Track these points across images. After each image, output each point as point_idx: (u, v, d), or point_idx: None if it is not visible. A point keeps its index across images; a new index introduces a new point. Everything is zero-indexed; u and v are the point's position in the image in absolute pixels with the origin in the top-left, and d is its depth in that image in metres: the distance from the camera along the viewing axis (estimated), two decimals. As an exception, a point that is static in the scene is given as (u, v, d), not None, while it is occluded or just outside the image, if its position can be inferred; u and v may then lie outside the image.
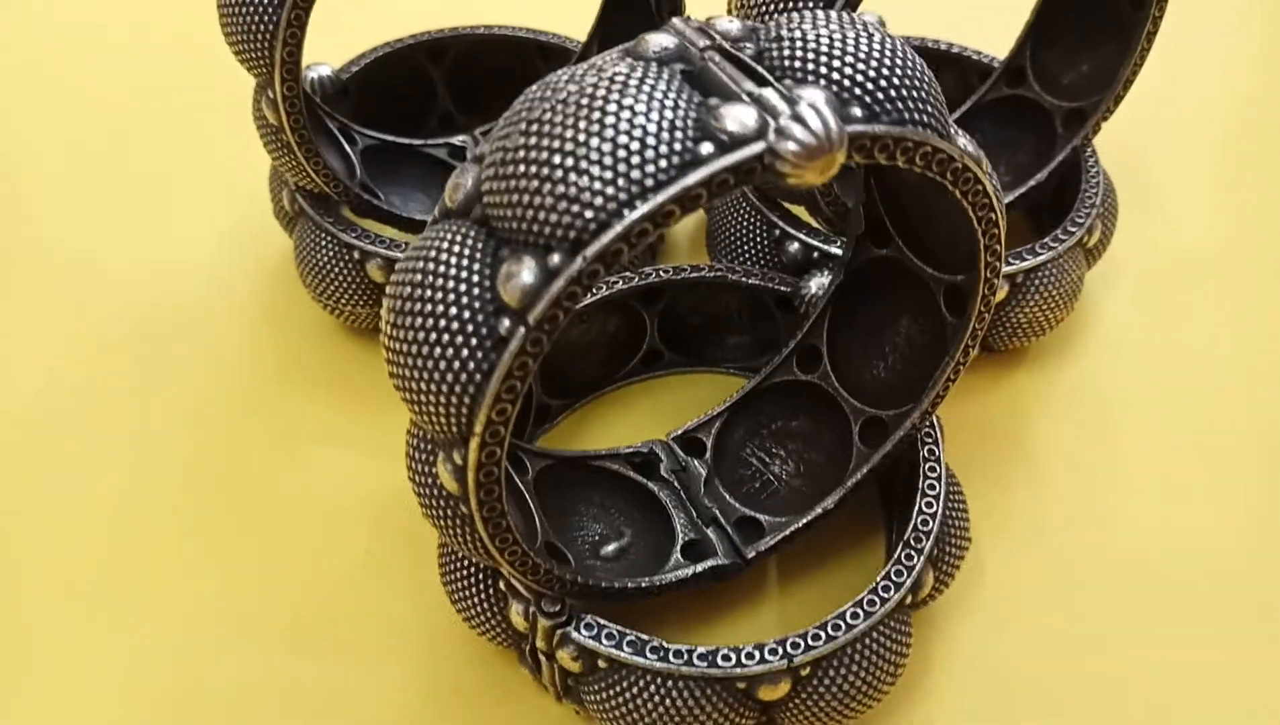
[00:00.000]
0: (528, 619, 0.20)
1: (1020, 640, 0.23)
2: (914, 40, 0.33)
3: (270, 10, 0.22)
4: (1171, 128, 0.35)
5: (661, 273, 0.26)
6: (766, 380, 0.25)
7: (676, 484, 0.23)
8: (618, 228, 0.14)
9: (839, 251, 0.26)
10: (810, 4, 0.21)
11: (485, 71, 0.33)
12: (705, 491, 0.23)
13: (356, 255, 0.27)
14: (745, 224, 0.28)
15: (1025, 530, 0.25)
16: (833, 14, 0.17)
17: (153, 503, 0.26)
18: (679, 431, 0.24)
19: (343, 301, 0.27)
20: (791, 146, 0.14)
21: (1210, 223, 0.32)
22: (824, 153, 0.14)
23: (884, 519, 0.25)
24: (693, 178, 0.14)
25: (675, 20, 0.17)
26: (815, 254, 0.27)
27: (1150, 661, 0.23)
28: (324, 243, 0.27)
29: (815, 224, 0.27)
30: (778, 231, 0.27)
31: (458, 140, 0.31)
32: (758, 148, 0.14)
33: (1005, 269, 0.26)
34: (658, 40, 0.16)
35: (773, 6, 0.21)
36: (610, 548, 0.23)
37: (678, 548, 0.22)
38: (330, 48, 0.30)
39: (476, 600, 0.21)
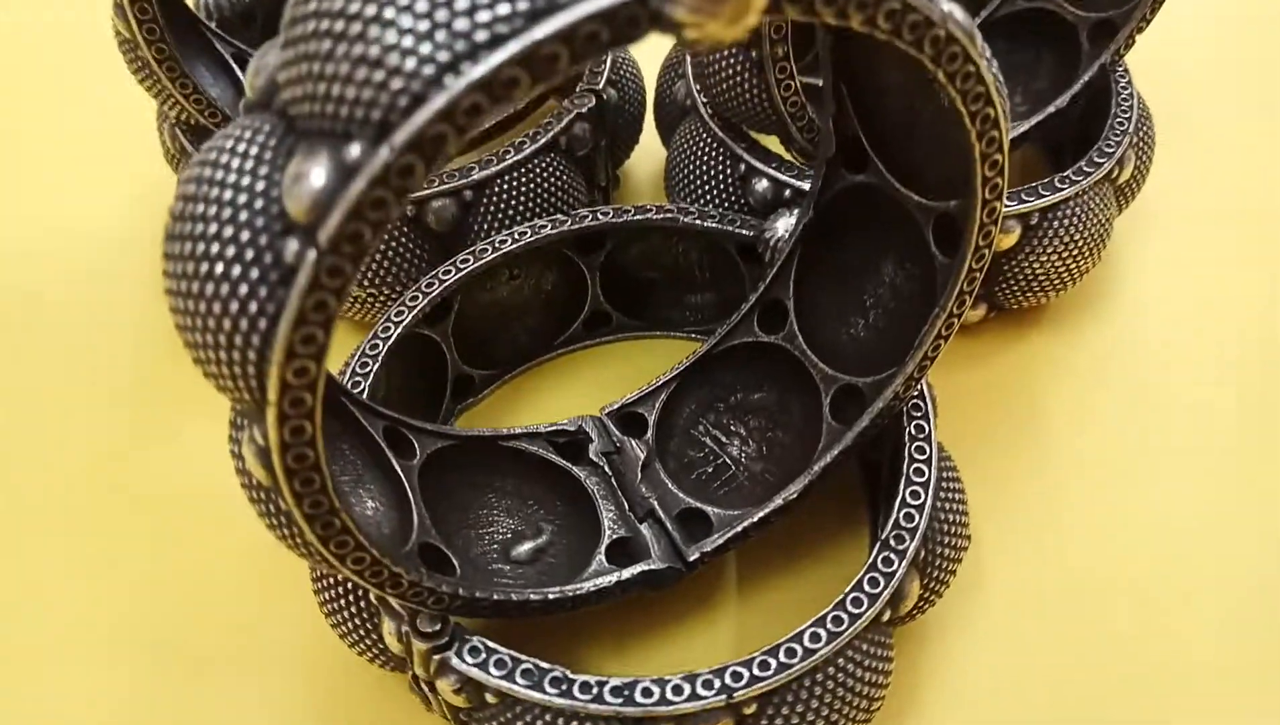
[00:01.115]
0: (402, 640, 0.16)
1: (1028, 659, 0.19)
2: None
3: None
4: (1216, 45, 0.30)
5: (600, 215, 0.22)
6: (722, 343, 0.20)
7: (607, 468, 0.19)
8: (438, 102, 0.10)
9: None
10: None
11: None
12: (643, 477, 0.19)
13: (239, 197, 0.22)
14: (706, 158, 0.23)
15: (1036, 527, 0.21)
16: None
17: (28, 486, 0.22)
18: (615, 405, 0.20)
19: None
20: (683, -18, 0.10)
21: (1260, 160, 0.27)
22: (730, -8, 0.10)
23: (868, 508, 0.20)
24: (544, 29, 0.10)
25: None
26: (788, 192, 0.22)
27: (1174, 679, 0.18)
28: (202, 183, 0.23)
29: (789, 156, 0.23)
30: (743, 166, 0.23)
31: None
32: (637, -14, 0.10)
33: (1017, 207, 0.22)
34: None
35: None
36: (524, 548, 0.18)
37: (603, 547, 0.18)
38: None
39: (346, 614, 0.17)
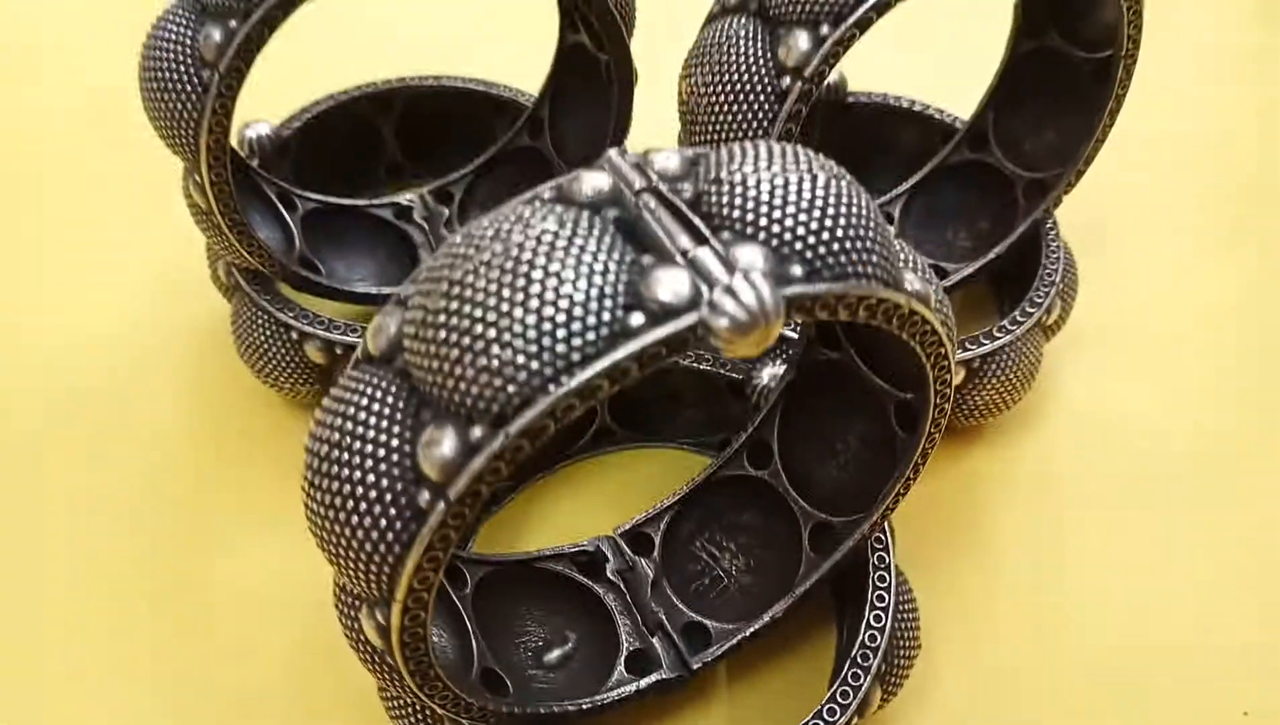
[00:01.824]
0: (462, 746, 0.20)
1: (971, 746, 0.23)
2: (876, 97, 0.32)
3: (194, 98, 0.21)
4: (1135, 194, 0.34)
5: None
6: (717, 473, 0.24)
7: (623, 586, 0.23)
8: (542, 404, 0.14)
9: (793, 334, 0.26)
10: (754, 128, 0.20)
11: (435, 120, 0.32)
12: (652, 594, 0.23)
13: (294, 335, 0.26)
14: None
15: (978, 622, 0.25)
16: (775, 150, 0.16)
17: (73, 590, 0.25)
18: (627, 526, 0.24)
19: (281, 379, 0.27)
20: (724, 322, 0.13)
21: (1173, 294, 0.32)
22: (757, 327, 0.14)
23: (835, 612, 0.24)
24: (622, 352, 0.14)
25: (612, 154, 0.16)
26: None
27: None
28: (260, 321, 0.26)
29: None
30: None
31: (404, 200, 0.30)
32: (690, 320, 0.14)
33: (962, 355, 0.26)
34: (592, 182, 0.15)
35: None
36: (554, 654, 0.22)
37: (622, 658, 0.22)
38: (270, 102, 0.29)
39: (414, 721, 0.20)
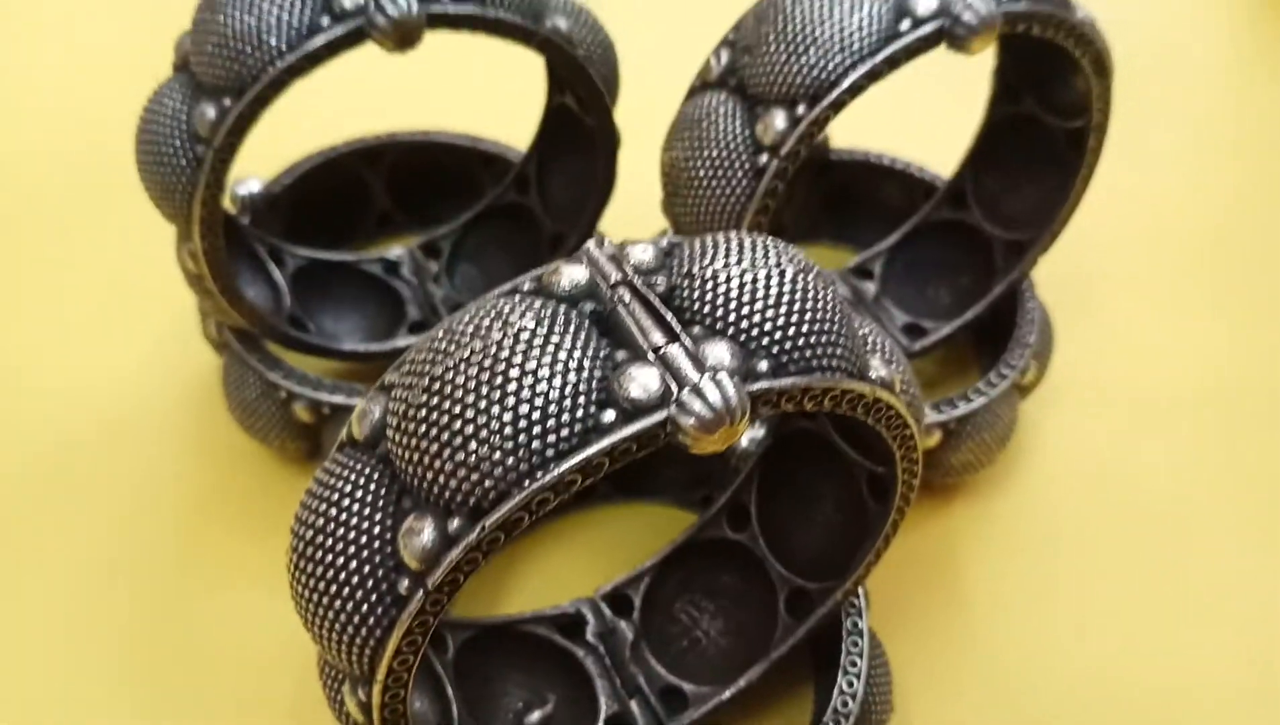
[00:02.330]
0: (443, 810, 0.20)
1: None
2: (858, 154, 0.33)
3: (188, 172, 0.22)
4: (1115, 252, 0.35)
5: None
6: (698, 535, 0.24)
7: (602, 649, 0.23)
8: (517, 498, 0.14)
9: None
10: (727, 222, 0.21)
11: (425, 173, 0.33)
12: (631, 656, 0.23)
13: (283, 394, 0.26)
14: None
15: (952, 683, 0.25)
16: (746, 244, 0.16)
17: (63, 645, 0.25)
18: (608, 588, 0.24)
19: (270, 436, 0.27)
20: (691, 422, 0.14)
21: (1151, 352, 0.32)
22: (722, 426, 0.14)
23: (813, 674, 0.24)
24: (594, 448, 0.14)
25: (590, 246, 0.16)
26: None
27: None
28: (250, 380, 0.26)
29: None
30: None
31: (392, 255, 0.31)
32: (659, 417, 0.14)
33: (939, 417, 0.26)
34: (570, 275, 0.16)
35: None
36: (533, 716, 0.23)
37: (600, 721, 0.22)
38: (260, 158, 0.30)
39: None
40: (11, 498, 0.28)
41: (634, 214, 0.30)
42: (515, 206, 0.30)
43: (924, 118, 0.32)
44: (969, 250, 0.30)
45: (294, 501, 0.27)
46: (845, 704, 0.21)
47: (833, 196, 0.33)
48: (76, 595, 0.26)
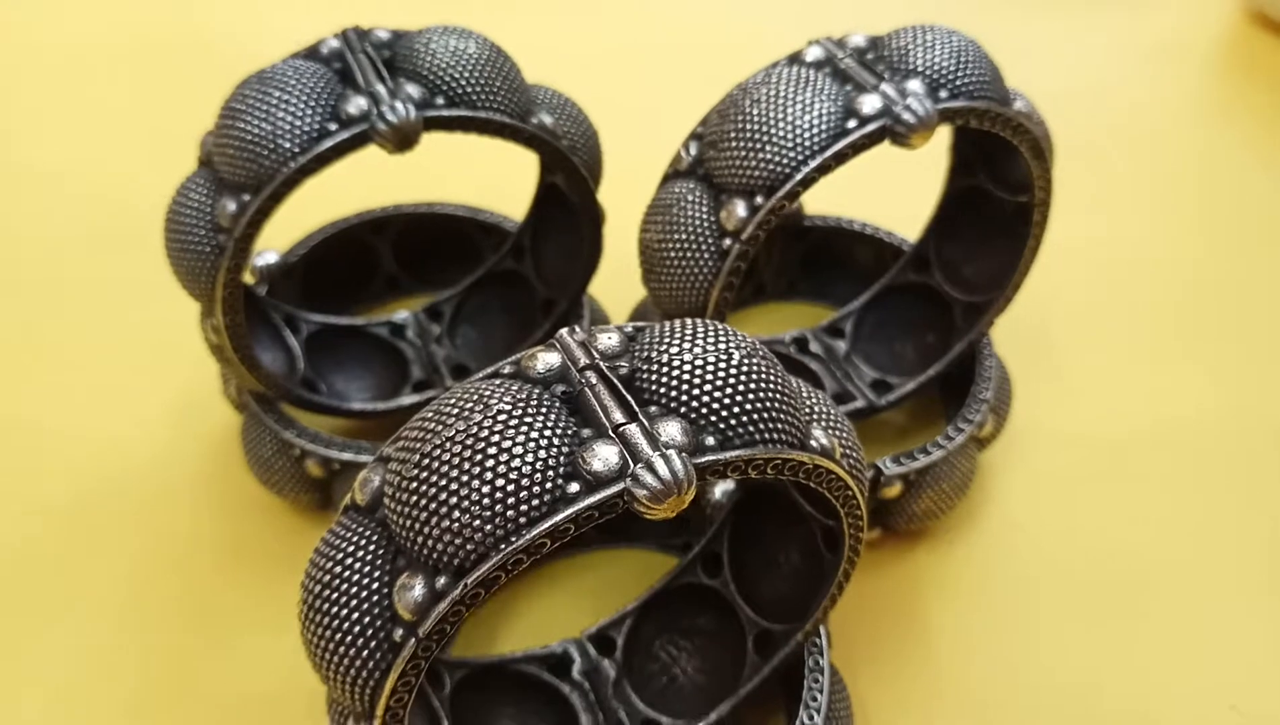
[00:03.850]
0: (440, 835, 0.22)
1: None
2: (831, 220, 0.35)
3: (211, 258, 0.24)
4: (1073, 306, 0.37)
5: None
6: (675, 580, 0.27)
7: (587, 685, 0.25)
8: (495, 559, 0.16)
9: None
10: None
11: (427, 240, 0.35)
12: (614, 692, 0.25)
13: (296, 451, 0.29)
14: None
15: (914, 715, 0.27)
16: (700, 331, 0.19)
17: (85, 688, 0.27)
18: (593, 629, 0.26)
19: (285, 490, 0.29)
20: (644, 492, 0.16)
21: (1108, 402, 0.34)
22: (670, 497, 0.16)
23: (784, 701, 0.26)
24: (560, 516, 0.16)
25: (563, 333, 0.19)
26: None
27: None
28: (266, 438, 0.29)
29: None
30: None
31: (398, 318, 0.33)
32: (617, 488, 0.16)
33: (899, 469, 0.28)
34: (545, 360, 0.18)
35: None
36: (524, 748, 0.25)
37: (585, 754, 0.24)
38: (276, 231, 0.32)
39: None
40: (46, 539, 0.30)
41: (619, 280, 0.32)
42: (511, 273, 0.33)
43: (893, 185, 0.34)
44: (932, 310, 0.32)
45: (306, 549, 0.30)
46: (805, 737, 0.23)
47: (809, 258, 0.36)
48: (104, 635, 0.28)
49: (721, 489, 0.27)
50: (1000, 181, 0.30)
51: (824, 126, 0.23)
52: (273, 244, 0.32)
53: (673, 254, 0.24)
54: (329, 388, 0.31)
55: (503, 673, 0.25)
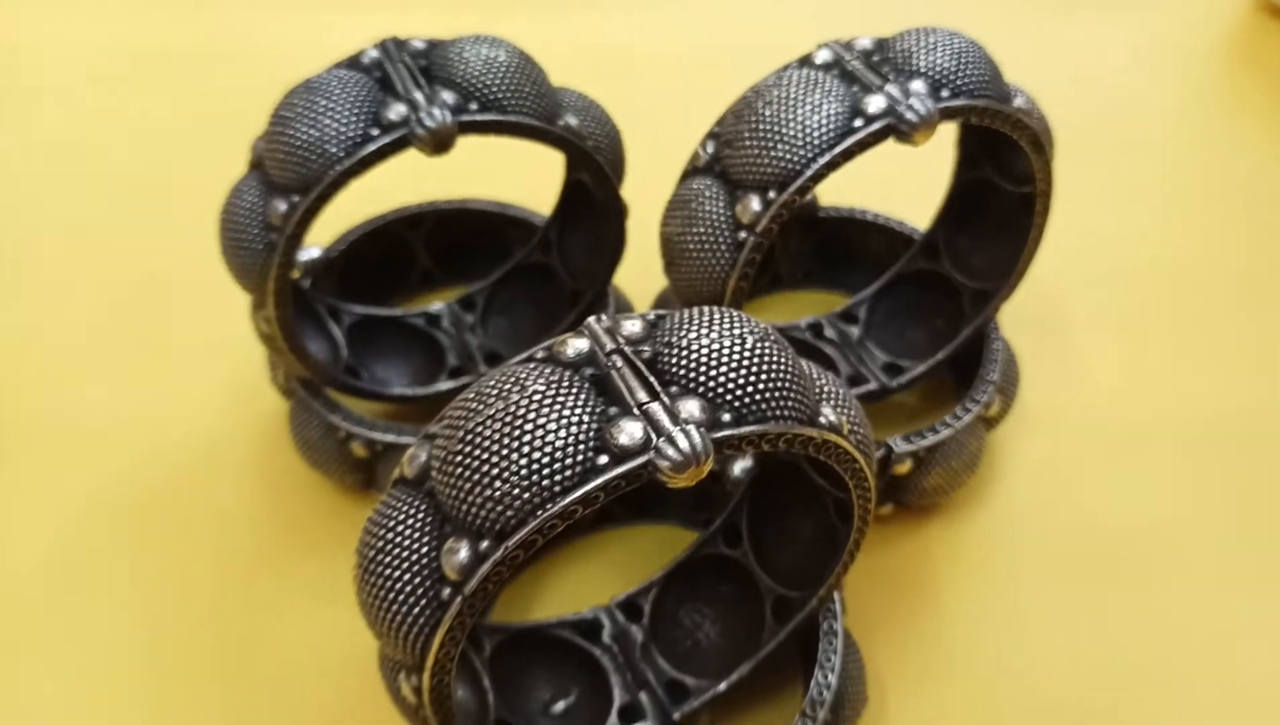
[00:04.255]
0: (482, 784, 0.24)
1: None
2: (843, 211, 0.37)
3: (263, 255, 0.26)
4: (1081, 290, 0.38)
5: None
6: (698, 551, 0.28)
7: (617, 649, 0.27)
8: (532, 524, 0.18)
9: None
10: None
11: (459, 234, 0.37)
12: (641, 656, 0.27)
13: (342, 434, 0.30)
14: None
15: (927, 679, 0.29)
16: (717, 317, 0.20)
17: (143, 657, 0.29)
18: (621, 597, 0.28)
19: (330, 470, 0.31)
20: (666, 463, 0.18)
21: (1112, 382, 0.36)
22: (690, 467, 0.18)
23: (802, 664, 0.28)
24: (591, 485, 0.18)
25: (590, 321, 0.20)
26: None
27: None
28: (313, 421, 0.31)
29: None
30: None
31: (433, 309, 0.35)
32: (642, 460, 0.18)
33: (909, 447, 0.30)
34: (574, 345, 0.20)
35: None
36: (558, 706, 0.27)
37: (615, 710, 0.26)
38: (318, 228, 0.34)
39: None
40: (105, 520, 0.32)
41: (641, 271, 0.34)
42: (540, 266, 0.35)
43: (904, 178, 0.36)
44: (942, 297, 0.34)
45: (351, 525, 0.32)
46: (821, 694, 0.25)
47: (823, 248, 0.37)
48: (160, 607, 0.30)
49: (740, 466, 0.29)
50: (1005, 174, 0.31)
51: (832, 125, 0.25)
52: (315, 240, 0.34)
53: (692, 246, 0.26)
54: (370, 375, 0.33)
55: (538, 637, 0.27)
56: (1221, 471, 0.33)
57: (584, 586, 0.30)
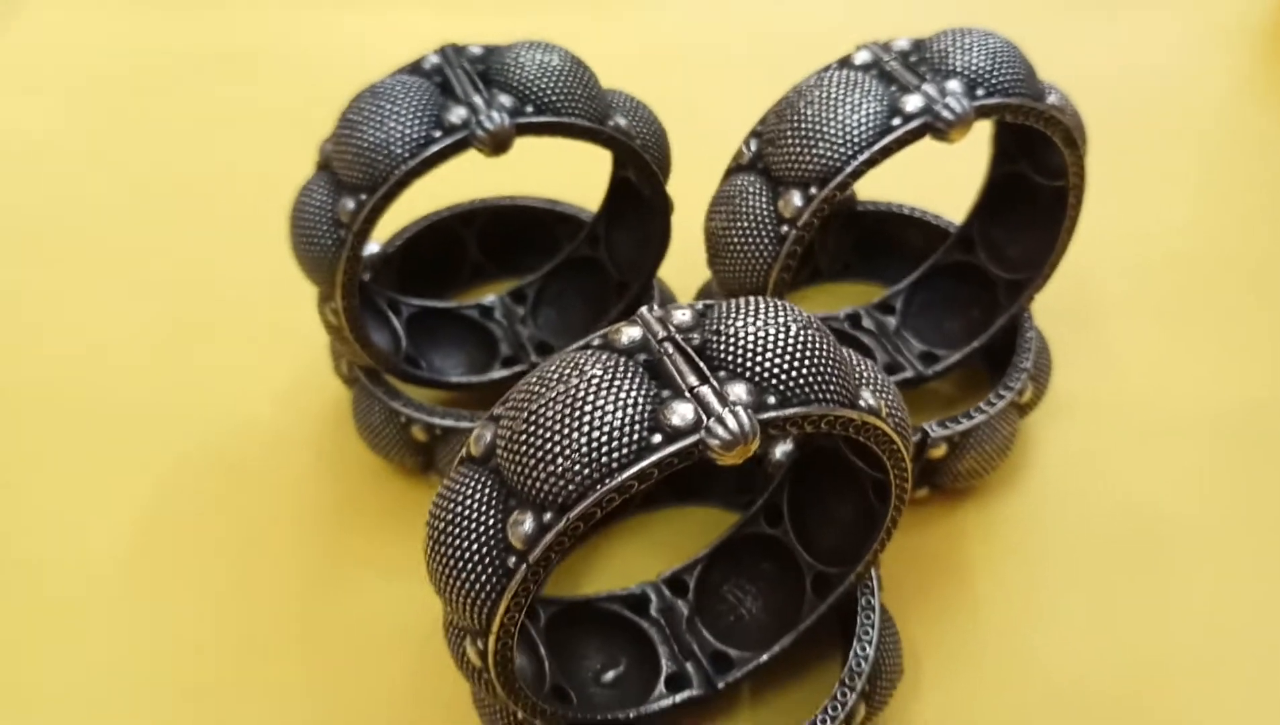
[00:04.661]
0: (539, 745, 0.26)
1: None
2: (882, 205, 0.38)
3: (332, 250, 0.28)
4: (1113, 281, 0.39)
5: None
6: (740, 531, 0.30)
7: (664, 622, 0.29)
8: (592, 497, 0.20)
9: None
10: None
11: (510, 230, 0.39)
12: (687, 628, 0.29)
13: (403, 419, 0.32)
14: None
15: (960, 655, 0.30)
16: (763, 306, 0.22)
17: (216, 632, 0.31)
18: (668, 573, 0.30)
19: (392, 453, 0.33)
20: (716, 441, 0.19)
21: (1144, 371, 0.37)
22: (739, 445, 0.20)
23: (840, 638, 0.30)
24: (646, 462, 0.20)
25: (643, 311, 0.22)
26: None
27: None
28: (375, 408, 0.33)
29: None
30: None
31: (486, 301, 0.37)
32: (693, 439, 0.20)
33: (944, 432, 0.31)
34: (628, 333, 0.22)
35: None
36: (609, 675, 0.28)
37: (662, 679, 0.28)
38: (378, 227, 0.36)
39: (500, 722, 0.26)
40: (183, 500, 0.34)
41: (686, 264, 0.35)
42: (588, 260, 0.36)
43: (940, 173, 0.37)
44: (977, 288, 0.35)
45: (411, 505, 0.34)
46: (859, 665, 0.26)
47: (862, 241, 0.39)
48: (231, 583, 0.32)
49: (781, 450, 0.30)
50: (1039, 168, 0.32)
51: (871, 124, 0.26)
52: (374, 237, 0.36)
53: (735, 240, 0.27)
54: (428, 364, 0.35)
55: (589, 610, 0.29)
56: (1253, 460, 0.34)
57: (633, 564, 0.32)
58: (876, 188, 0.37)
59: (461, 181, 0.39)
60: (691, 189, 0.34)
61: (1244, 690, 0.29)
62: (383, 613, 0.31)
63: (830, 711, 0.26)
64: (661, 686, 0.27)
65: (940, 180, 0.38)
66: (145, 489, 0.35)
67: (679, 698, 0.27)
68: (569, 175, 0.39)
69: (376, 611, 0.31)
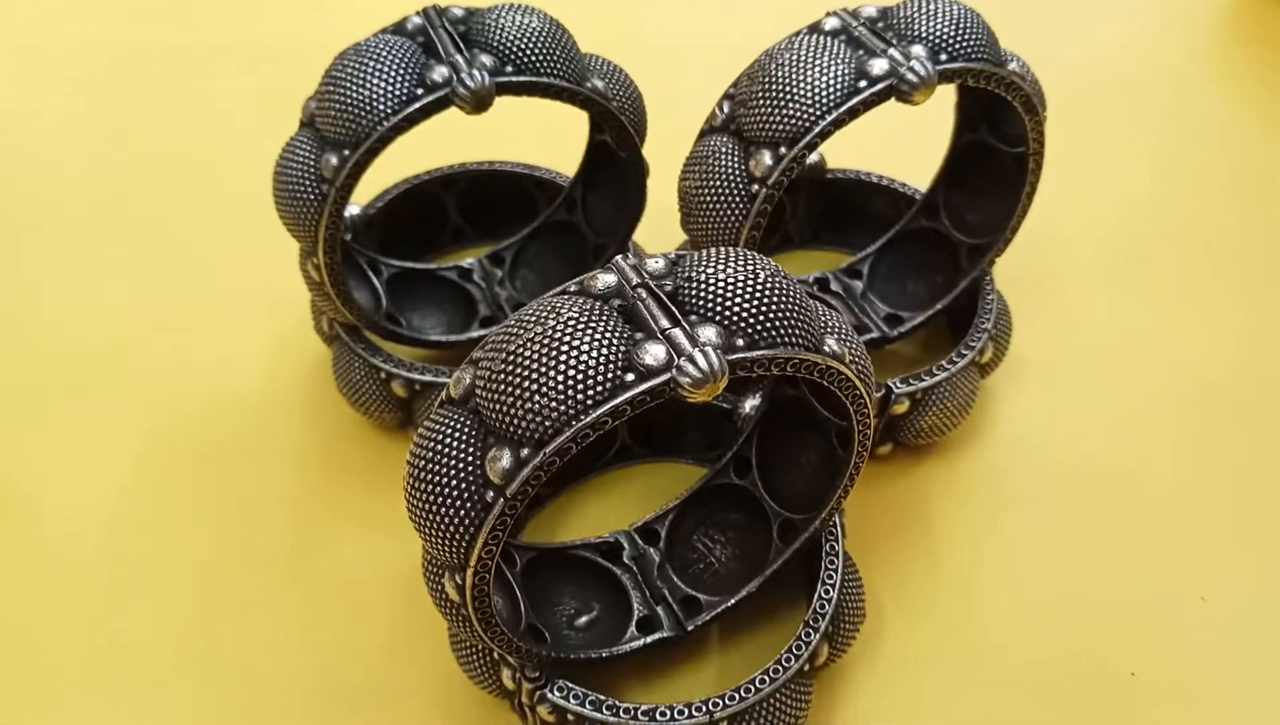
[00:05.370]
0: (515, 681, 0.27)
1: (911, 699, 0.29)
2: (850, 173, 0.39)
3: (315, 205, 0.29)
4: (1070, 246, 0.41)
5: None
6: (709, 482, 0.31)
7: (635, 569, 0.30)
8: (567, 433, 0.21)
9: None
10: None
11: (489, 195, 0.40)
12: (658, 574, 0.30)
13: (383, 375, 0.33)
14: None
15: (920, 601, 0.31)
16: (733, 256, 0.23)
17: (200, 584, 0.32)
18: (639, 523, 0.31)
19: (372, 409, 0.34)
20: (687, 379, 0.20)
21: (1098, 332, 0.38)
22: (710, 382, 0.21)
23: (806, 583, 0.31)
24: (619, 399, 0.21)
25: (618, 259, 0.23)
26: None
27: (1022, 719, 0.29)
28: (356, 364, 0.33)
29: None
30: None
31: (465, 263, 0.37)
32: (664, 378, 0.21)
33: (907, 388, 0.32)
34: (603, 279, 0.22)
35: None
36: (583, 619, 0.29)
37: (634, 622, 0.29)
38: (358, 188, 0.36)
39: (478, 665, 0.27)
40: (164, 457, 0.35)
41: (661, 227, 0.36)
42: (565, 223, 0.37)
43: (906, 141, 0.38)
44: (940, 253, 0.36)
45: (391, 460, 0.34)
46: (823, 607, 0.27)
47: (830, 208, 0.40)
48: (215, 536, 0.33)
49: (750, 404, 0.31)
50: (1000, 135, 0.33)
51: (838, 87, 0.27)
52: (355, 199, 0.37)
53: (708, 199, 0.28)
54: (408, 323, 0.35)
55: (564, 556, 0.30)
56: (1204, 418, 0.36)
57: (607, 515, 0.33)
58: (845, 156, 0.38)
59: (442, 146, 0.40)
60: (666, 154, 0.35)
61: (1195, 640, 0.30)
62: (364, 563, 0.32)
63: (795, 651, 0.27)
64: (633, 629, 0.28)
65: (907, 149, 0.39)
66: (132, 447, 0.35)
67: (650, 639, 0.28)
68: (547, 141, 0.40)
69: (358, 559, 0.32)
